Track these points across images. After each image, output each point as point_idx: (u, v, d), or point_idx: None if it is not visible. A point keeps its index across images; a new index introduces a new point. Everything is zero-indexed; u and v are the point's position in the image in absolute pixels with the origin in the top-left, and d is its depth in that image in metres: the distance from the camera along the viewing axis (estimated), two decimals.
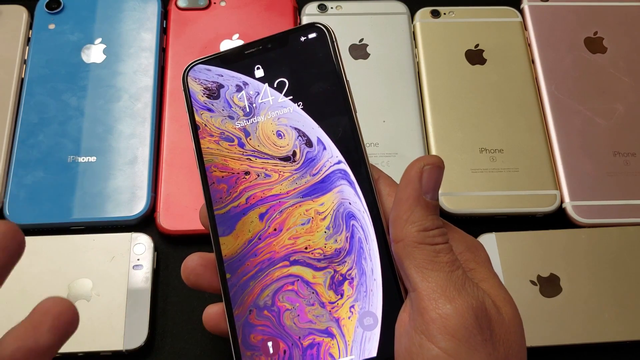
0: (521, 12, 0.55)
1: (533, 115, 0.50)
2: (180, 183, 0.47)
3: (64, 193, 0.46)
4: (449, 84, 0.51)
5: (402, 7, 0.55)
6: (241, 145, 0.33)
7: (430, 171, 0.29)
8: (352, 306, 0.30)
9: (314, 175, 0.32)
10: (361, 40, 0.53)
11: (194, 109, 0.33)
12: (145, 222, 0.46)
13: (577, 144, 0.49)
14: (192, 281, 0.34)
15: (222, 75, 0.34)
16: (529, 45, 0.53)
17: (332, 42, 0.33)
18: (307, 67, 0.33)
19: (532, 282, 0.43)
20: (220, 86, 0.34)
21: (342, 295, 0.30)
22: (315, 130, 0.32)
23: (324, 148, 0.32)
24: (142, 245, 0.44)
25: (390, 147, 0.49)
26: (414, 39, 0.54)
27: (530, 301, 0.43)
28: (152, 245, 0.44)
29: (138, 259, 0.43)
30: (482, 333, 0.26)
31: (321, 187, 0.32)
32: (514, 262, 0.44)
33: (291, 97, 0.33)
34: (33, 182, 0.46)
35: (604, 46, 0.53)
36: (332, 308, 0.30)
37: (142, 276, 0.43)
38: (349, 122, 0.32)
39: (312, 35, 0.34)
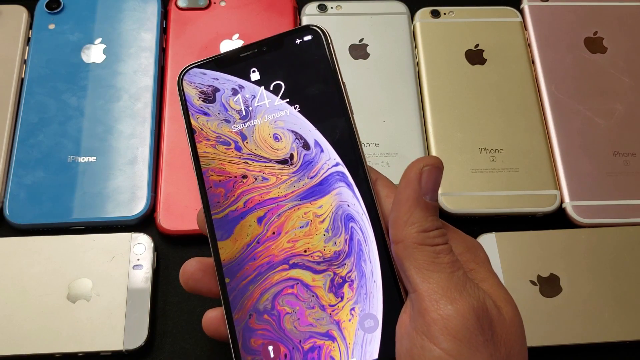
0: (521, 12, 0.55)
1: (533, 115, 0.50)
2: (180, 183, 0.47)
3: (64, 193, 0.46)
4: (449, 84, 0.51)
5: (402, 7, 0.55)
6: (238, 148, 0.33)
7: (430, 172, 0.29)
8: (353, 309, 0.30)
9: (311, 177, 0.32)
10: (361, 40, 0.53)
11: (190, 113, 0.33)
12: (145, 222, 0.46)
13: (577, 144, 0.49)
14: (190, 286, 0.34)
15: (217, 79, 0.34)
16: (529, 45, 0.53)
17: (328, 44, 0.33)
18: (303, 69, 0.33)
19: (532, 282, 0.43)
20: (216, 90, 0.33)
21: (342, 298, 0.30)
22: (312, 133, 0.32)
23: (322, 150, 0.32)
24: (142, 245, 0.44)
25: (390, 147, 0.49)
26: (414, 39, 0.54)
27: (530, 301, 0.43)
28: (152, 245, 0.44)
29: (138, 259, 0.43)
30: (484, 333, 0.26)
31: (319, 189, 0.32)
32: (514, 262, 0.44)
33: (287, 99, 0.33)
34: (33, 182, 0.46)
35: (604, 46, 0.53)
36: (333, 311, 0.30)
37: (142, 276, 0.43)
38: (345, 124, 0.32)
39: (307, 38, 0.33)
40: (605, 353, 0.43)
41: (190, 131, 0.33)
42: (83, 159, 0.47)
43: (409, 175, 0.29)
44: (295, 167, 0.32)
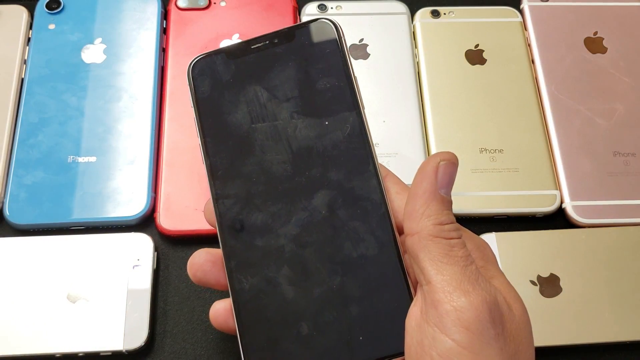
0: (521, 12, 0.55)
1: (533, 115, 0.50)
2: (180, 183, 0.47)
3: (64, 193, 0.46)
4: (449, 84, 0.51)
5: (402, 7, 0.55)
6: (248, 139, 0.32)
7: (446, 167, 0.29)
8: (362, 303, 0.30)
9: (322, 171, 0.32)
10: (361, 40, 0.53)
11: (199, 104, 0.33)
12: (145, 222, 0.46)
13: (577, 144, 0.49)
14: (199, 278, 0.34)
15: (227, 70, 0.33)
16: (529, 45, 0.53)
17: (340, 37, 0.33)
18: (314, 62, 0.33)
19: (532, 282, 0.43)
20: (226, 81, 0.33)
21: (350, 293, 0.30)
22: (323, 127, 0.32)
23: (333, 144, 0.32)
24: (142, 245, 0.44)
25: (390, 147, 0.49)
26: (414, 39, 0.54)
27: (530, 301, 0.43)
28: (152, 245, 0.44)
29: (138, 259, 0.43)
30: (495, 327, 0.26)
31: (330, 183, 0.31)
32: (514, 262, 0.44)
33: (298, 92, 0.33)
34: (33, 182, 0.46)
35: (604, 46, 0.53)
36: (341, 305, 0.30)
37: (142, 276, 0.43)
38: (357, 119, 0.32)
39: (319, 30, 0.33)
40: (605, 353, 0.43)
41: (200, 123, 0.33)
42: (83, 159, 0.47)
43: (425, 169, 0.29)
44: (306, 159, 0.32)
